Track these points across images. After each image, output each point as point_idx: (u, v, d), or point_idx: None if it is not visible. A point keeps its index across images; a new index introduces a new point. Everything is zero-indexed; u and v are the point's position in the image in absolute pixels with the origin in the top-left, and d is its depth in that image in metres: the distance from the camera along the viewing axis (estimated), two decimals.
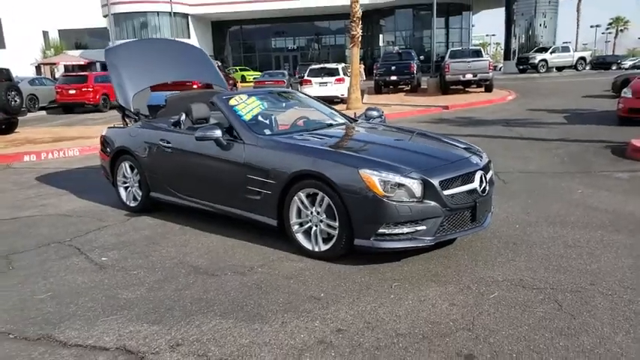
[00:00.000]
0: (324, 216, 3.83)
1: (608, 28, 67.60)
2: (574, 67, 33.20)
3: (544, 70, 31.95)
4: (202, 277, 3.69)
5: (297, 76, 28.19)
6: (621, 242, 3.99)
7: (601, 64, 39.87)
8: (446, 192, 3.63)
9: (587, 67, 34.32)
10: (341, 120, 5.26)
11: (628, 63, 44.62)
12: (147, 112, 5.77)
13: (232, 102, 4.77)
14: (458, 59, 20.71)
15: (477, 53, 22.41)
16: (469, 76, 20.08)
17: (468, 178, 3.80)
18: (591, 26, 67.17)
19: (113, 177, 5.69)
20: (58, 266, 4.02)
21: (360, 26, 16.12)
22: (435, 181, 3.60)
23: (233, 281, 3.57)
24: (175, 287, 3.52)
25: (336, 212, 3.70)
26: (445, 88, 20.69)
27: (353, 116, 5.67)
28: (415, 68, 22.28)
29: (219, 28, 47.29)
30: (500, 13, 42.47)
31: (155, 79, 5.95)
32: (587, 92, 18.93)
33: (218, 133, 4.41)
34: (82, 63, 41.82)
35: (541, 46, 34.67)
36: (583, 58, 33.87)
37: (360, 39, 16.27)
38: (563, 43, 36.20)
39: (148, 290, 3.49)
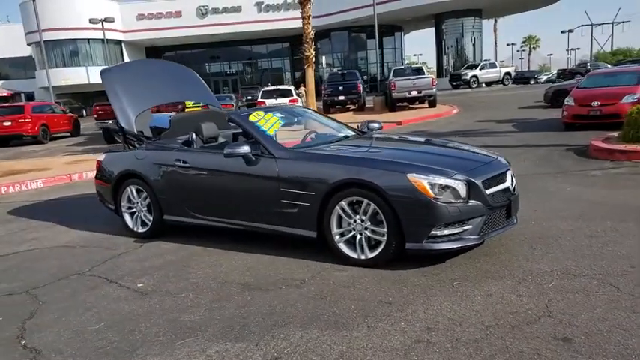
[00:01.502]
0: (369, 223, 3.90)
1: (522, 46, 73.26)
2: (501, 81, 35.54)
3: (475, 85, 33.93)
4: (258, 292, 3.62)
5: (242, 100, 28.16)
6: (633, 229, 4.36)
7: (520, 78, 42.95)
8: (487, 191, 3.83)
9: (511, 82, 36.83)
10: (351, 132, 5.38)
11: (543, 77, 48.54)
12: (150, 134, 5.60)
13: (252, 119, 4.76)
14: (402, 77, 21.60)
15: (419, 71, 23.51)
16: (414, 93, 20.97)
17: (501, 177, 4.03)
18: (507, 44, 72.37)
19: (116, 204, 5.45)
20: (94, 296, 3.79)
21: (312, 47, 16.47)
22: (479, 181, 3.80)
23: (292, 294, 3.55)
24: (236, 305, 3.44)
25: (384, 218, 3.79)
26: (392, 105, 21.46)
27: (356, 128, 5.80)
28: (361, 88, 22.99)
29: (154, 53, 46.34)
30: (426, 33, 44.80)
31: (155, 100, 5.81)
32: (521, 104, 20.33)
33: (247, 149, 4.38)
34: (5, 94, 39.43)
35: (470, 63, 36.82)
36: (509, 73, 36.41)
37: (313, 59, 16.60)
38: (484, 60, 38.61)
39: (209, 310, 3.38)
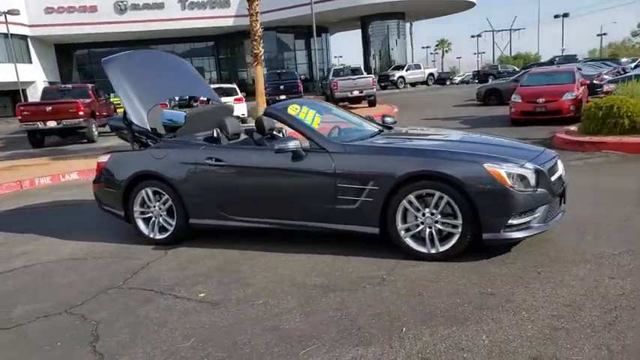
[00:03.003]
0: (439, 216, 3.84)
1: (435, 49, 77.21)
2: (425, 82, 37.13)
3: (402, 85, 35.12)
4: (343, 293, 3.42)
5: (175, 100, 26.90)
6: None
7: (438, 79, 45.33)
8: (551, 179, 3.92)
9: (433, 82, 38.61)
10: (376, 127, 5.21)
11: (457, 79, 51.59)
12: (163, 131, 5.12)
13: (292, 112, 4.51)
14: (344, 77, 21.85)
15: (356, 71, 23.93)
16: (356, 93, 21.34)
17: (555, 166, 4.14)
18: (422, 47, 75.87)
19: (126, 209, 4.92)
20: (155, 311, 3.37)
21: (261, 45, 16.12)
22: (546, 170, 3.87)
23: (383, 292, 3.38)
24: (330, 307, 3.21)
25: (459, 210, 3.73)
26: (334, 104, 21.57)
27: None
28: (302, 87, 22.95)
29: (65, 51, 43.00)
30: (346, 35, 45.56)
31: (163, 95, 5.31)
32: (455, 102, 21.37)
33: (297, 143, 4.15)
34: None
35: (397, 64, 38.08)
36: (432, 74, 38.15)
37: (262, 57, 16.24)
38: (409, 62, 40.23)
39: (305, 316, 3.13)
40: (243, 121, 17.64)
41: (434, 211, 3.84)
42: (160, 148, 4.81)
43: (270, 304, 3.36)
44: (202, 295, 3.60)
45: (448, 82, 44.01)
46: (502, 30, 67.40)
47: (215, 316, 3.23)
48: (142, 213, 4.88)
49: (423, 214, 3.87)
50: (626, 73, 29.65)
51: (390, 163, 3.94)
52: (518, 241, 3.92)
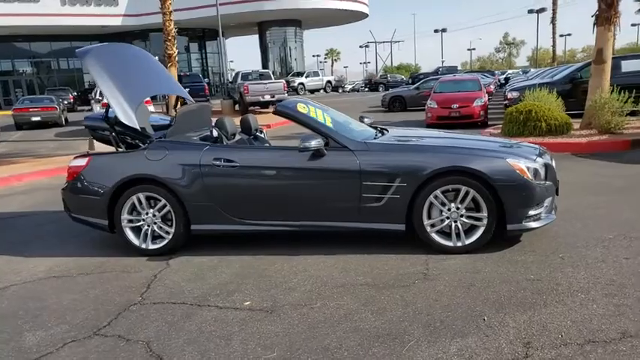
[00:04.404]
0: (464, 211, 3.99)
1: (325, 58, 79.63)
2: (324, 89, 38.10)
3: (302, 92, 35.66)
4: (396, 290, 3.39)
5: (64, 102, 24.54)
6: (621, 199, 5.29)
7: (334, 88, 46.87)
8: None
9: (330, 90, 39.77)
10: (373, 128, 5.15)
11: (348, 87, 53.73)
12: (152, 131, 4.64)
13: (303, 110, 4.38)
14: (255, 81, 21.62)
15: (263, 76, 23.83)
16: (267, 97, 21.24)
17: (552, 161, 4.52)
18: (313, 55, 77.78)
19: (110, 218, 4.40)
20: (208, 325, 3.07)
21: (175, 45, 15.34)
22: (553, 164, 4.21)
23: (437, 286, 3.42)
24: (396, 305, 3.18)
25: (485, 204, 3.92)
26: (245, 109, 21.28)
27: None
28: (208, 90, 22.27)
29: None
30: (236, 41, 44.97)
31: (147, 91, 4.82)
32: (362, 109, 22.17)
33: (320, 142, 4.05)
34: None
35: (296, 71, 38.56)
36: (330, 82, 39.21)
37: (176, 58, 15.46)
38: (295, 72, 40.82)
39: (377, 314, 3.06)
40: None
41: (459, 206, 3.98)
42: (155, 149, 4.37)
43: (330, 306, 3.23)
44: (247, 303, 3.35)
45: (340, 90, 45.71)
46: (383, 42, 71.76)
47: (281, 323, 3.03)
48: (130, 221, 4.40)
49: (449, 209, 4.00)
50: (501, 83, 33.02)
51: (417, 160, 4.00)
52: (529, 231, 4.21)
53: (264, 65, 40.61)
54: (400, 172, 3.99)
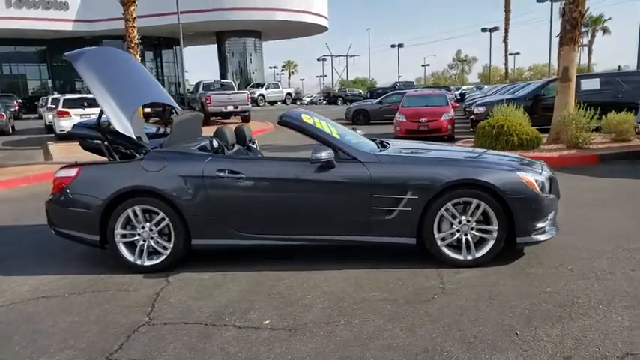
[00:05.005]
0: (474, 224, 3.99)
1: (282, 70, 79.77)
2: (283, 101, 38.04)
3: (262, 103, 35.47)
4: (418, 305, 3.32)
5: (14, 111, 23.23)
6: (615, 204, 5.48)
7: (293, 99, 47.02)
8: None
9: (290, 101, 39.77)
10: (372, 140, 5.08)
11: (306, 99, 53.99)
12: (147, 140, 4.39)
13: (308, 121, 4.27)
14: (217, 91, 21.25)
15: (225, 86, 23.47)
16: (230, 108, 20.90)
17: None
18: (270, 67, 77.68)
19: (102, 233, 4.11)
20: (230, 346, 2.88)
21: (138, 53, 14.87)
22: (555, 177, 4.29)
23: (458, 300, 3.38)
24: (424, 320, 3.10)
25: (495, 217, 3.93)
26: (206, 119, 20.84)
27: None
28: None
29: None
30: (199, 49, 44.39)
31: (139, 98, 4.54)
32: None
33: (331, 153, 3.95)
34: None
35: (255, 82, 38.34)
36: (290, 94, 39.22)
37: None
38: (255, 83, 40.71)
39: (408, 331, 2.97)
40: None
41: (470, 219, 3.98)
42: (153, 160, 4.12)
43: (355, 323, 3.11)
44: (267, 322, 3.18)
45: (298, 102, 45.84)
46: (339, 56, 72.81)
47: (309, 343, 2.88)
48: (125, 236, 4.12)
49: (459, 222, 3.99)
50: (458, 98, 34.01)
51: (429, 172, 3.97)
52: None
53: (223, 75, 40.12)
54: (412, 184, 3.95)
